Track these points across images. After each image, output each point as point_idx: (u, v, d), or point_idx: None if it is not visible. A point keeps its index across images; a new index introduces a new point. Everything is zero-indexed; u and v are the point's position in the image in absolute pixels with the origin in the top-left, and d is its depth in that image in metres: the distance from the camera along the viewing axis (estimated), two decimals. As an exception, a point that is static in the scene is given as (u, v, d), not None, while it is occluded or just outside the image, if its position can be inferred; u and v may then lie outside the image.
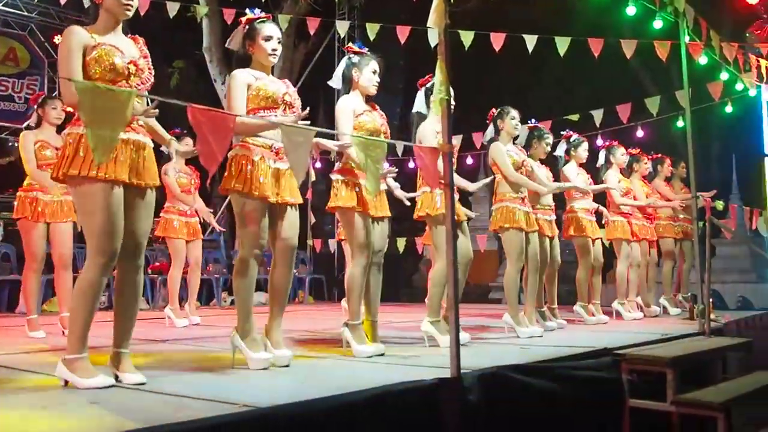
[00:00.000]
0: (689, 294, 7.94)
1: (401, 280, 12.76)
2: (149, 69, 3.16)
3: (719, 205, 7.67)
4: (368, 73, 4.20)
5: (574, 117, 9.81)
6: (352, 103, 4.16)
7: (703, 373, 4.67)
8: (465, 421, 3.02)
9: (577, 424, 3.70)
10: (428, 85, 4.71)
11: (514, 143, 5.51)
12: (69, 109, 3.18)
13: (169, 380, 3.16)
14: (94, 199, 2.91)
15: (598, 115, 9.56)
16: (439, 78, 3.30)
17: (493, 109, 5.48)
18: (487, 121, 5.53)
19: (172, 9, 8.29)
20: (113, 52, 3.00)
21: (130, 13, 3.11)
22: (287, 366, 3.54)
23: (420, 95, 4.78)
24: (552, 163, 6.39)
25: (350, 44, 4.41)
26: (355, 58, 4.24)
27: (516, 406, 3.31)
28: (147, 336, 5.31)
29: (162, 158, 6.40)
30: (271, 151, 3.56)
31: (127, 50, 3.09)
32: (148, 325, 6.23)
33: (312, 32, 9.54)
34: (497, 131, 5.42)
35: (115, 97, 2.33)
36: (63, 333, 5.22)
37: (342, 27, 10.40)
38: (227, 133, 2.67)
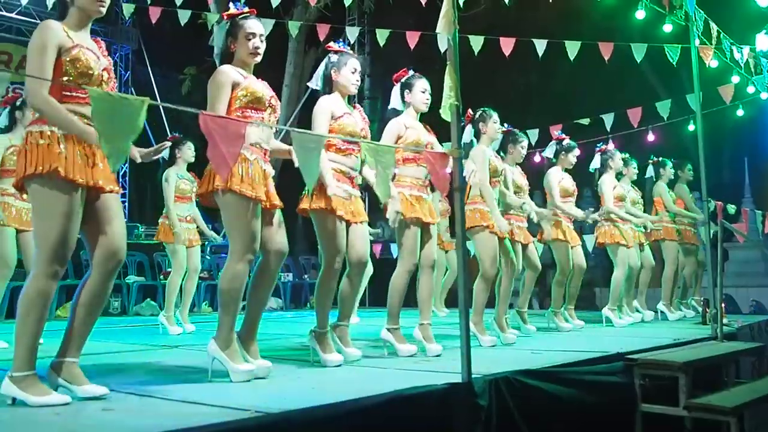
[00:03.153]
0: (692, 299, 7.93)
1: (410, 284, 12.75)
2: (113, 76, 3.03)
3: (731, 209, 7.65)
4: (347, 73, 4.03)
5: (585, 121, 9.79)
6: (331, 104, 3.98)
7: (715, 378, 4.65)
8: (476, 426, 3.03)
9: (589, 428, 3.69)
10: (403, 80, 4.58)
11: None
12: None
13: (180, 386, 3.17)
14: (54, 204, 2.74)
15: (608, 119, 9.54)
16: (448, 84, 3.30)
17: (470, 110, 5.26)
18: (463, 123, 5.10)
19: (184, 16, 8.34)
20: (90, 56, 2.86)
21: (104, 10, 2.95)
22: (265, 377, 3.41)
23: (395, 91, 4.61)
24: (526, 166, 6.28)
25: (331, 43, 4.23)
26: (334, 57, 4.08)
27: (527, 411, 3.30)
28: (159, 342, 5.34)
29: (163, 163, 6.36)
30: (261, 151, 3.42)
31: (99, 54, 2.94)
32: (160, 331, 6.24)
33: (322, 38, 9.56)
34: (477, 134, 5.24)
35: (128, 105, 2.34)
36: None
37: (352, 33, 10.42)
38: (239, 139, 2.66)
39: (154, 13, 8.11)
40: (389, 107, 4.59)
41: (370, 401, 2.73)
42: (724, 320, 5.53)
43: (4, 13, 11.72)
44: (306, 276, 11.86)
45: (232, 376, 3.27)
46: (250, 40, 3.47)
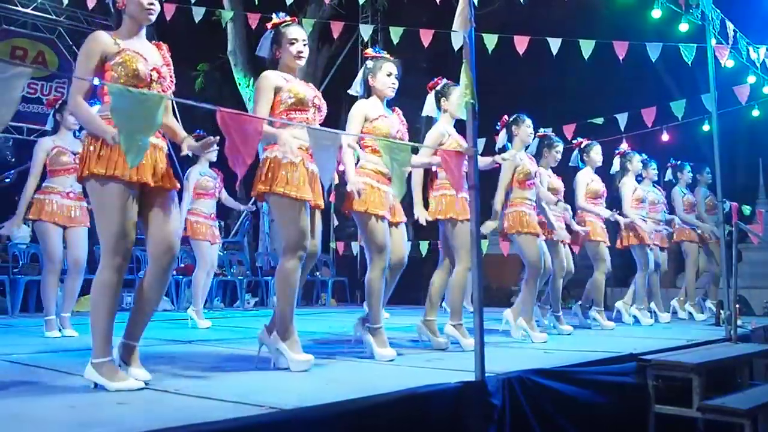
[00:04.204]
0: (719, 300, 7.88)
1: (423, 283, 12.76)
2: (171, 77, 3.19)
3: (746, 210, 7.60)
4: (382, 76, 4.19)
5: (599, 121, 9.74)
6: (364, 108, 4.15)
7: (729, 380, 4.63)
8: (489, 425, 3.02)
9: (602, 429, 3.68)
10: (437, 88, 4.75)
11: (525, 151, 5.45)
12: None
13: (194, 381, 3.19)
14: (109, 199, 2.93)
15: (622, 119, 9.49)
16: (464, 82, 3.30)
17: (506, 116, 5.42)
18: (498, 127, 5.45)
19: (198, 13, 8.37)
20: (137, 58, 3.03)
21: (153, 18, 3.13)
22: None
23: (430, 98, 4.78)
24: (564, 172, 6.33)
25: (368, 50, 4.41)
26: (370, 63, 4.25)
27: (540, 411, 3.30)
28: (172, 337, 5.36)
29: (187, 161, 6.46)
30: (307, 153, 3.55)
31: (150, 56, 3.12)
32: (173, 326, 6.28)
33: (336, 36, 9.57)
34: (510, 138, 5.36)
35: (146, 101, 2.36)
36: (60, 333, 5.30)
37: (365, 31, 10.43)
38: (255, 136, 2.69)
39: (169, 10, 8.14)
40: (423, 114, 4.73)
41: (383, 398, 2.74)
42: (738, 322, 5.50)
43: (20, 8, 11.77)
44: (318, 273, 11.89)
45: (291, 366, 3.47)
46: (293, 44, 3.67)
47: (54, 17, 12.09)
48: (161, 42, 3.28)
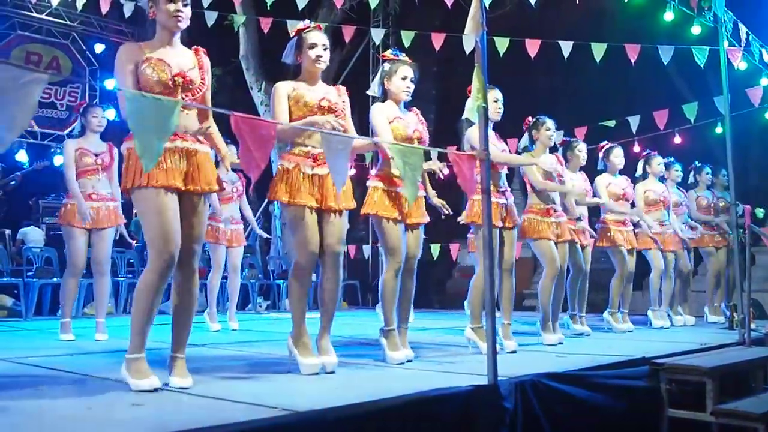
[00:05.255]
0: (732, 303, 7.83)
1: (434, 285, 12.75)
2: (202, 80, 3.22)
3: (759, 212, 7.55)
4: (397, 80, 4.18)
5: (610, 123, 9.72)
6: (383, 109, 4.16)
7: (743, 383, 4.60)
8: (501, 429, 3.02)
9: (614, 433, 3.67)
10: None
11: (551, 152, 5.48)
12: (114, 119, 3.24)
13: (208, 384, 3.20)
14: (148, 204, 3.00)
15: (634, 121, 9.46)
16: (475, 85, 3.31)
17: (529, 118, 5.44)
18: (523, 129, 5.47)
19: (210, 17, 8.41)
20: (159, 65, 3.08)
21: (182, 24, 3.16)
22: (332, 372, 3.57)
23: (469, 103, 4.76)
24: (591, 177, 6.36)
25: (387, 52, 4.41)
26: (387, 66, 4.25)
27: (553, 414, 3.29)
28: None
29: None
30: (308, 158, 3.59)
31: (178, 62, 3.15)
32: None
33: (347, 40, 9.58)
34: (531, 141, 5.38)
35: (160, 106, 2.38)
36: (74, 337, 5.31)
37: (377, 34, 10.45)
38: (269, 141, 2.71)
39: (182, 15, 8.17)
40: (463, 117, 4.71)
41: (395, 401, 2.75)
42: (752, 325, 5.47)
43: (35, 14, 11.86)
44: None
45: (300, 368, 3.51)
46: (312, 48, 3.73)
47: (68, 22, 12.17)
48: (199, 48, 3.31)
